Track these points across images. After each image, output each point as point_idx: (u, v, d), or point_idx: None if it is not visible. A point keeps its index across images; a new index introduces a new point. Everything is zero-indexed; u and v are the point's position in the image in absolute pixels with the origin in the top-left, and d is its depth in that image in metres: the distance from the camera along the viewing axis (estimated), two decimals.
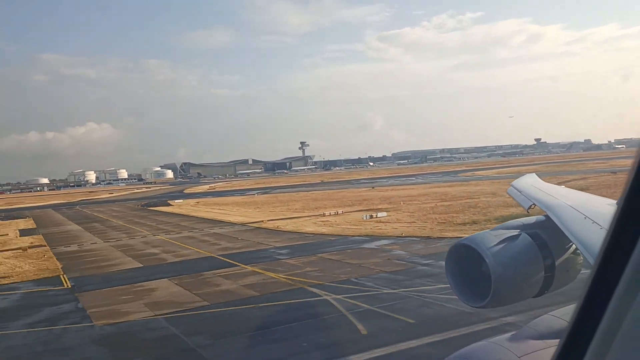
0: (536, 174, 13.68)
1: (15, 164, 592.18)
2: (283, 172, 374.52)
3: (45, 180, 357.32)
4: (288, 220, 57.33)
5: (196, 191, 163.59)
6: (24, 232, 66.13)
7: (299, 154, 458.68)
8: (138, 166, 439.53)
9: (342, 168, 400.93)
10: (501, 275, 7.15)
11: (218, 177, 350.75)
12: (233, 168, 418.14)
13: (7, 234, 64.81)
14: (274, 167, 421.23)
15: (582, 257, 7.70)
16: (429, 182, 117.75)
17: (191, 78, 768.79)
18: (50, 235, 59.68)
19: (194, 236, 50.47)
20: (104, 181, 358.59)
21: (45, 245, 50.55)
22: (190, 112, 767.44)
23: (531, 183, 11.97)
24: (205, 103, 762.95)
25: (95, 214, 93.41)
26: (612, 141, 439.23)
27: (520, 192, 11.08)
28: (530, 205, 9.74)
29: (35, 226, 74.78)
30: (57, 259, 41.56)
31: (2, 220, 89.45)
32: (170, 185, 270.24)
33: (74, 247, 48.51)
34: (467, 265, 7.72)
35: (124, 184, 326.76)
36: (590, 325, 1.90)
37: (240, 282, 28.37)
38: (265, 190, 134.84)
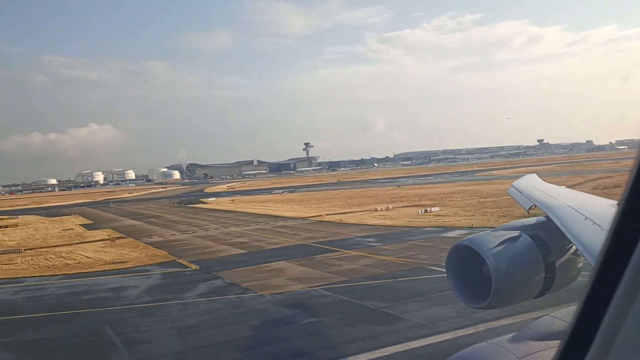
0: (541, 174, 14.59)
1: (18, 164, 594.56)
2: (290, 173, 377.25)
3: (54, 181, 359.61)
4: (345, 215, 60.77)
5: (217, 190, 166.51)
6: (88, 227, 69.36)
7: (302, 154, 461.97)
8: (141, 167, 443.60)
9: (346, 169, 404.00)
10: (502, 276, 7.19)
11: (225, 178, 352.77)
12: (238, 169, 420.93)
13: (73, 229, 68.13)
14: (279, 168, 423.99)
15: (582, 258, 7.70)
16: (451, 182, 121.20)
17: (192, 79, 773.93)
18: (121, 229, 62.79)
19: (266, 228, 53.87)
20: (112, 182, 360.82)
21: (126, 237, 53.83)
22: (191, 113, 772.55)
23: (532, 184, 12.04)
24: (206, 104, 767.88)
25: (139, 210, 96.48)
26: (614, 142, 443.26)
27: (520, 192, 11.17)
28: (531, 206, 9.82)
29: (91, 222, 77.87)
30: (154, 247, 44.88)
31: (50, 217, 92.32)
32: (182, 185, 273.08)
33: (157, 239, 51.68)
34: (467, 266, 7.80)
35: (133, 185, 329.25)
36: (591, 326, 1.93)
37: (359, 263, 31.85)
38: (291, 190, 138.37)
